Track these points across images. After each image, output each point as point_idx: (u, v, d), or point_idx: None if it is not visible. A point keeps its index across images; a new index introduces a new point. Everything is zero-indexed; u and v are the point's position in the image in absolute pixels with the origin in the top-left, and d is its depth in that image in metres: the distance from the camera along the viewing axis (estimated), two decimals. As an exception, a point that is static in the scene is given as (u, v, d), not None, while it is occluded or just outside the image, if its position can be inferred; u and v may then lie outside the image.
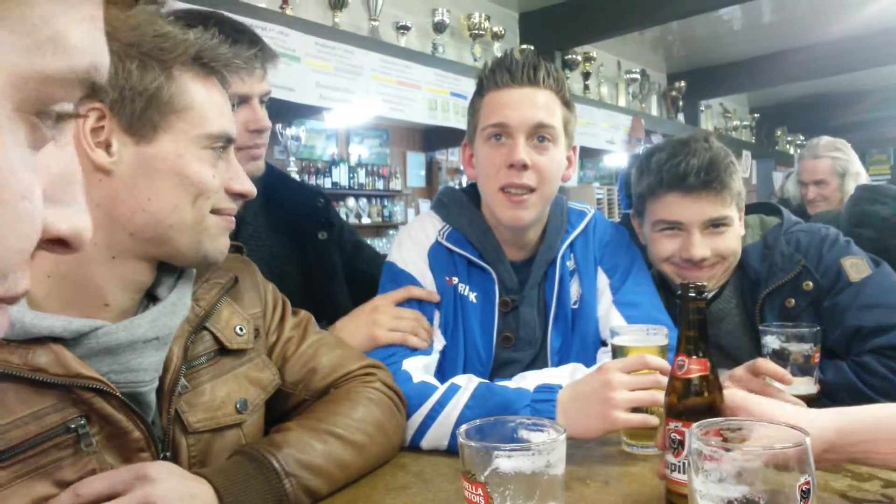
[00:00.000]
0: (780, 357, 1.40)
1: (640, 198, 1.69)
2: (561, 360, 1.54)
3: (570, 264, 1.60)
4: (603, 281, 1.60)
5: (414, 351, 1.48)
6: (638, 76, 6.72)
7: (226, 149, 1.08)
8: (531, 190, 1.48)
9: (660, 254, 1.65)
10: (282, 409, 1.26)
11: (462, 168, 1.58)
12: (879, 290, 1.56)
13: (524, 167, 1.46)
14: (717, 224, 1.59)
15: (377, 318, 1.48)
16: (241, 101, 1.48)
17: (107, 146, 0.95)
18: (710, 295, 1.69)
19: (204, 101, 1.03)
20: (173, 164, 0.99)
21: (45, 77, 0.39)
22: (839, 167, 3.34)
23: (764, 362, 1.34)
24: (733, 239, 1.63)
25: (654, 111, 6.96)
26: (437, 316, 1.57)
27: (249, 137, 1.51)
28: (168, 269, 1.10)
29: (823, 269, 1.59)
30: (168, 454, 1.02)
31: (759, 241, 1.69)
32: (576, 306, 1.58)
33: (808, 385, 1.41)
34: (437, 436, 1.31)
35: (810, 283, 1.59)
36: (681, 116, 7.20)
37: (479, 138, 1.53)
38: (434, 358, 1.52)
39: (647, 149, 1.75)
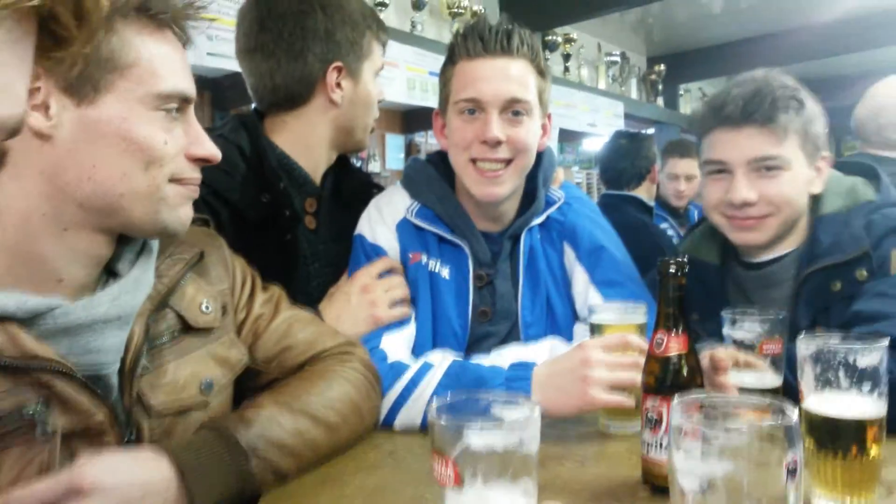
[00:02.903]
0: (737, 346, 1.23)
1: (697, 143, 1.56)
2: (532, 334, 1.52)
3: (538, 237, 1.57)
4: (570, 253, 1.56)
5: (393, 326, 1.45)
6: (618, 59, 6.69)
7: (182, 110, 1.01)
8: (507, 163, 1.45)
9: (709, 200, 1.50)
10: (253, 387, 1.21)
11: (435, 139, 1.57)
12: None
13: (498, 143, 1.42)
14: (767, 165, 1.40)
15: (373, 299, 1.44)
16: None
17: (45, 108, 0.88)
18: (770, 258, 1.50)
19: (152, 57, 0.95)
20: (118, 127, 0.92)
21: None
22: None
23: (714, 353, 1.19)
24: (790, 185, 1.41)
25: (634, 94, 6.94)
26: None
27: None
28: (128, 243, 1.04)
29: (877, 256, 1.37)
30: (132, 436, 0.98)
31: (840, 213, 1.45)
32: (545, 283, 1.55)
33: (759, 378, 1.21)
34: (409, 416, 1.28)
35: (865, 273, 1.36)
36: (660, 100, 7.19)
37: (452, 110, 1.48)
38: (412, 329, 1.49)
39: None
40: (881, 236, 1.39)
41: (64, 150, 0.90)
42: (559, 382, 1.21)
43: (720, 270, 1.59)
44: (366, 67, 1.60)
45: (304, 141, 1.59)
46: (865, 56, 6.61)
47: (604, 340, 1.24)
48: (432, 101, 4.19)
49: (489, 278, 1.53)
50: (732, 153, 1.43)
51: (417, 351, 1.46)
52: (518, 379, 1.25)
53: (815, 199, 1.49)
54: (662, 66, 7.14)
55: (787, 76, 1.48)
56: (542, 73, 1.49)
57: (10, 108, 0.46)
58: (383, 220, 1.56)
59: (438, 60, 4.50)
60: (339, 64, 1.55)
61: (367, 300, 1.44)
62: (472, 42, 1.44)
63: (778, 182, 1.41)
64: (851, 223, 1.42)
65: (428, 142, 7.34)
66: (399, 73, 4.10)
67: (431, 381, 1.28)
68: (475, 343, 1.51)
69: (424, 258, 1.53)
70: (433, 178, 1.58)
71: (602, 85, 6.46)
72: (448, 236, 1.53)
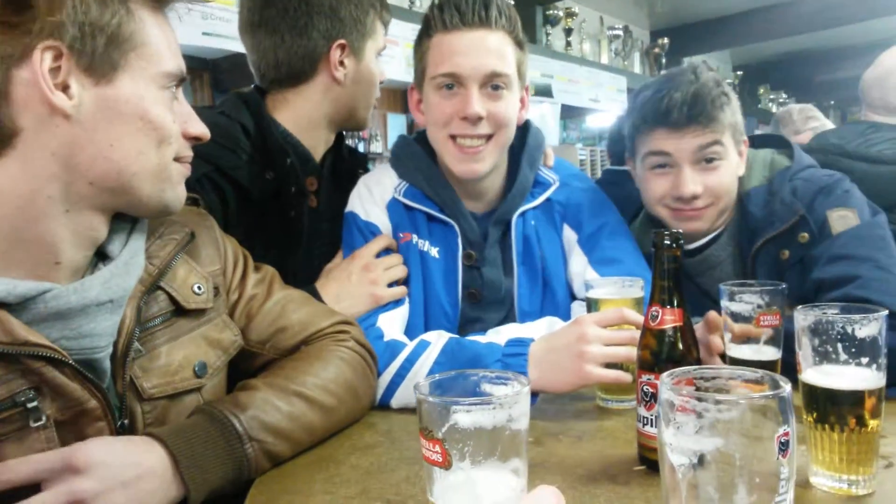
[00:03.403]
0: (735, 319, 1.22)
1: (630, 138, 1.62)
2: (531, 320, 1.48)
3: (533, 223, 1.54)
4: (571, 236, 1.55)
5: (389, 305, 1.44)
6: (621, 33, 6.62)
7: (178, 88, 1.02)
8: (487, 138, 1.43)
9: (653, 194, 1.57)
10: (247, 369, 1.21)
11: (412, 114, 1.56)
12: (854, 241, 1.42)
13: (478, 119, 1.40)
14: (708, 158, 1.50)
15: (373, 278, 1.44)
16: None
17: (65, 88, 0.88)
18: (706, 240, 1.61)
19: (158, 37, 0.96)
20: (136, 106, 0.93)
21: None
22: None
23: (714, 316, 1.25)
24: (728, 176, 1.54)
25: (637, 69, 6.87)
26: None
27: None
28: (119, 223, 1.03)
29: (814, 219, 1.47)
30: (126, 422, 0.97)
31: (763, 185, 1.58)
32: (543, 270, 1.54)
33: (757, 350, 1.20)
34: (406, 394, 1.28)
35: (806, 235, 1.47)
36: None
37: (429, 86, 1.45)
38: (406, 308, 1.48)
39: (636, 89, 1.67)
40: (811, 199, 1.49)
41: (82, 129, 0.89)
42: (555, 358, 1.20)
43: None
44: (369, 46, 1.58)
45: (306, 118, 1.58)
46: (871, 25, 6.51)
47: (600, 315, 1.23)
48: (432, 79, 4.15)
49: (477, 261, 1.51)
50: (678, 149, 1.50)
51: (410, 331, 1.45)
52: (514, 355, 1.24)
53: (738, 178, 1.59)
54: (666, 40, 7.07)
55: (706, 67, 1.57)
56: (520, 44, 1.46)
57: None
58: (374, 199, 1.55)
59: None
60: (342, 41, 1.53)
61: (367, 279, 1.43)
62: (448, 14, 1.40)
63: (718, 173, 1.52)
64: (778, 192, 1.53)
65: (430, 120, 7.30)
66: (399, 51, 4.06)
67: (428, 359, 1.28)
68: (467, 326, 1.50)
69: (415, 238, 1.51)
70: (419, 156, 1.55)
71: (605, 59, 6.40)
72: (438, 215, 1.51)
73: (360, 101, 1.62)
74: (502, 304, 1.52)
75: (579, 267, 1.52)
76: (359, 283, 1.43)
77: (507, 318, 1.52)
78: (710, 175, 1.51)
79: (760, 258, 1.53)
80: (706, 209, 1.54)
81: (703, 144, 1.49)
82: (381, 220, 1.53)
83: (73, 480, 0.82)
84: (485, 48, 1.39)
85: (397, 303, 1.46)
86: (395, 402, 1.28)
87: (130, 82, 0.92)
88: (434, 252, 1.51)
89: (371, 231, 1.51)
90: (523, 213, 1.53)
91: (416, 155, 1.56)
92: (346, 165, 1.71)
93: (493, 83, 1.40)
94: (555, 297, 1.52)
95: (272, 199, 1.50)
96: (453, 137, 1.43)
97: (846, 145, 2.15)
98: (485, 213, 1.54)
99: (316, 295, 1.40)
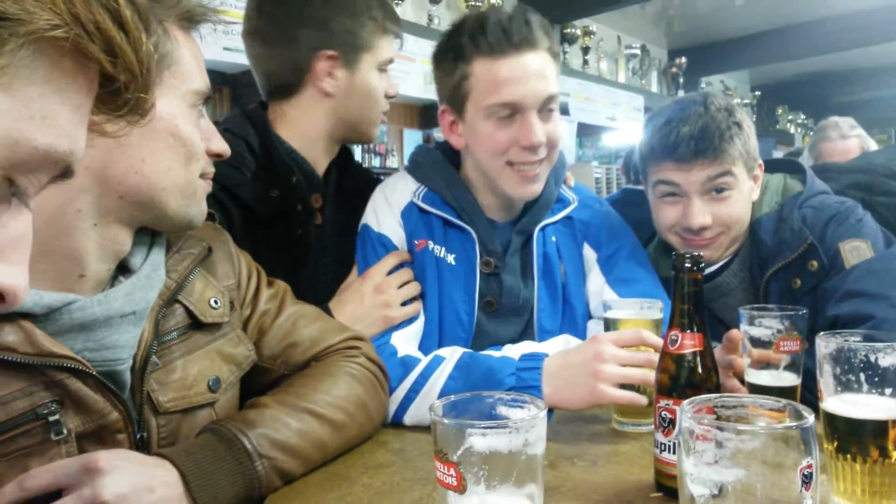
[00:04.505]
0: (754, 343, 1.21)
1: (643, 163, 1.63)
2: (551, 335, 1.47)
3: (554, 239, 1.54)
4: (591, 255, 1.55)
5: (403, 322, 1.44)
6: (638, 52, 6.63)
7: (203, 106, 1.05)
8: (542, 160, 1.44)
9: (663, 222, 1.58)
10: (259, 384, 1.20)
11: (444, 135, 1.54)
12: (868, 277, 1.36)
13: (540, 145, 1.40)
14: (718, 188, 1.50)
15: (386, 300, 1.42)
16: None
17: None
18: (717, 267, 1.59)
19: (189, 56, 0.99)
20: (168, 123, 0.96)
21: (33, 147, 0.46)
22: (865, 145, 3.24)
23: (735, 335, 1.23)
24: (738, 205, 1.52)
25: (655, 88, 6.87)
26: None
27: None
28: (140, 236, 1.04)
29: (825, 249, 1.45)
30: (145, 435, 0.97)
31: (774, 211, 1.56)
32: (564, 286, 1.53)
33: (777, 377, 1.19)
34: (420, 411, 1.26)
35: (815, 264, 1.45)
36: (681, 93, 7.11)
37: (479, 114, 1.41)
38: (420, 323, 1.47)
39: (652, 112, 1.67)
40: (822, 228, 1.47)
41: (116, 144, 0.90)
42: (569, 375, 1.19)
43: None
44: (365, 58, 1.56)
45: (303, 132, 1.56)
46: (891, 48, 6.47)
47: (618, 335, 1.21)
48: (449, 96, 4.15)
49: (496, 269, 1.49)
50: (686, 182, 1.50)
51: (425, 339, 1.45)
52: (529, 369, 1.23)
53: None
54: (684, 59, 7.06)
55: (719, 96, 1.57)
56: (556, 56, 1.46)
57: (54, 138, 0.48)
58: (389, 207, 1.53)
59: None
60: (332, 53, 1.51)
61: (380, 301, 1.42)
62: (493, 36, 1.36)
63: (728, 203, 1.50)
64: (788, 219, 1.51)
65: (446, 136, 7.33)
66: (416, 68, 4.08)
67: (442, 374, 1.27)
68: (482, 338, 1.48)
69: (430, 244, 1.50)
70: (440, 162, 1.55)
71: (622, 78, 6.40)
72: (455, 220, 1.50)
73: (361, 115, 1.59)
74: (520, 316, 1.50)
75: (597, 286, 1.52)
76: (372, 305, 1.42)
77: (525, 332, 1.50)
78: (720, 205, 1.50)
79: (772, 286, 1.52)
80: (716, 238, 1.54)
81: (711, 176, 1.48)
82: (395, 230, 1.51)
83: (95, 481, 0.82)
84: (536, 73, 1.38)
85: (411, 319, 1.45)
86: (409, 419, 1.27)
87: (164, 100, 0.95)
88: (450, 259, 1.49)
89: (382, 243, 1.50)
90: (544, 228, 1.53)
91: (436, 161, 1.55)
92: (353, 182, 1.70)
93: (548, 107, 1.41)
94: (574, 315, 1.52)
95: (278, 217, 1.49)
96: (510, 164, 1.42)
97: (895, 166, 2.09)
98: (506, 223, 1.54)
99: (330, 315, 1.40)
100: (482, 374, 1.25)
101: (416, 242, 1.50)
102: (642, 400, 1.16)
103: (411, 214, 1.52)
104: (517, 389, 1.19)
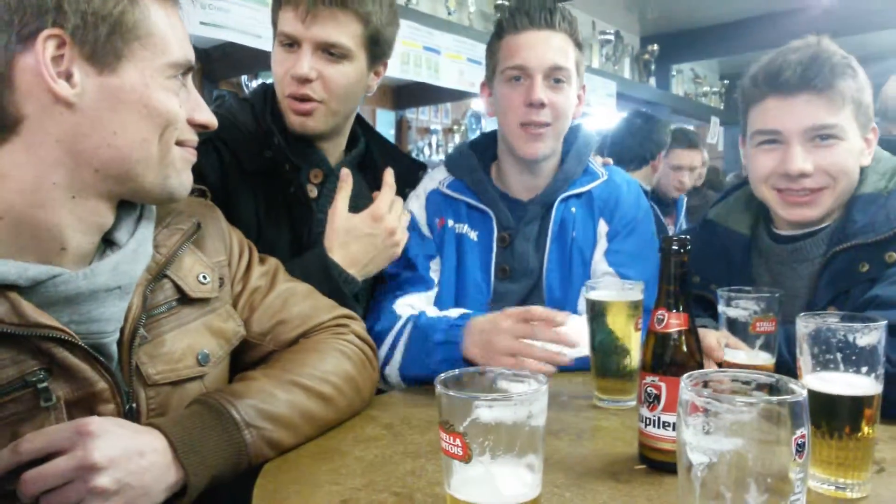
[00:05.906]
0: (731, 323, 1.25)
1: (743, 113, 1.49)
2: (557, 297, 1.65)
3: (573, 210, 1.69)
4: (602, 228, 1.69)
5: (411, 288, 1.61)
6: (612, 37, 6.65)
7: (186, 76, 1.03)
8: (547, 125, 1.61)
9: (757, 172, 1.43)
10: (248, 360, 1.22)
11: (485, 109, 1.79)
12: None
13: (542, 105, 1.58)
14: (823, 135, 1.34)
15: (397, 239, 1.52)
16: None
17: (67, 77, 0.89)
18: (804, 232, 1.44)
19: (166, 27, 0.97)
20: (140, 94, 0.94)
21: None
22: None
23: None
24: (846, 156, 1.35)
25: (627, 74, 6.91)
26: (437, 259, 1.70)
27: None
28: (127, 210, 1.04)
29: None
30: (134, 406, 0.98)
31: (877, 193, 1.38)
32: (571, 251, 1.67)
33: (752, 356, 1.23)
34: (408, 363, 1.46)
35: (894, 256, 1.30)
36: (652, 80, 7.16)
37: (499, 79, 1.65)
38: (432, 293, 1.66)
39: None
40: None
41: (85, 117, 0.91)
42: (480, 339, 1.36)
43: (747, 241, 1.55)
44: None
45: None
46: (863, 39, 6.58)
47: (519, 310, 1.36)
48: (425, 76, 4.14)
49: (511, 238, 1.67)
50: (787, 122, 1.36)
51: (439, 304, 1.63)
52: (456, 326, 1.41)
53: None
54: (656, 46, 7.11)
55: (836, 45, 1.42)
56: (579, 46, 1.66)
57: None
58: (417, 192, 1.76)
59: (432, 34, 4.43)
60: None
61: (392, 241, 1.51)
62: (519, 18, 1.61)
63: (834, 152, 1.35)
64: (888, 204, 1.35)
65: (419, 118, 7.30)
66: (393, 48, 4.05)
67: (405, 332, 1.48)
68: (497, 300, 1.65)
69: (451, 222, 1.71)
70: (467, 155, 1.76)
71: (595, 64, 6.43)
72: (476, 203, 1.70)
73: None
74: (529, 277, 1.67)
75: (598, 256, 1.67)
76: (384, 246, 1.50)
77: (535, 290, 1.67)
78: (824, 153, 1.35)
79: (838, 260, 1.37)
80: (818, 193, 1.38)
81: (817, 124, 1.34)
82: (417, 210, 1.73)
83: (87, 444, 0.83)
84: (548, 45, 1.59)
85: (419, 286, 1.63)
86: (390, 370, 1.47)
87: (135, 71, 0.94)
88: (473, 235, 1.70)
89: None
90: (566, 200, 1.69)
91: (465, 155, 1.77)
92: (398, 165, 1.68)
93: (554, 76, 1.59)
94: (579, 281, 1.64)
95: (270, 174, 1.54)
96: (522, 125, 1.61)
97: None
98: (530, 199, 1.71)
99: (325, 257, 1.41)
100: (426, 327, 1.45)
101: (436, 221, 1.72)
102: (531, 364, 1.29)
103: (435, 197, 1.75)
104: (445, 343, 1.40)
